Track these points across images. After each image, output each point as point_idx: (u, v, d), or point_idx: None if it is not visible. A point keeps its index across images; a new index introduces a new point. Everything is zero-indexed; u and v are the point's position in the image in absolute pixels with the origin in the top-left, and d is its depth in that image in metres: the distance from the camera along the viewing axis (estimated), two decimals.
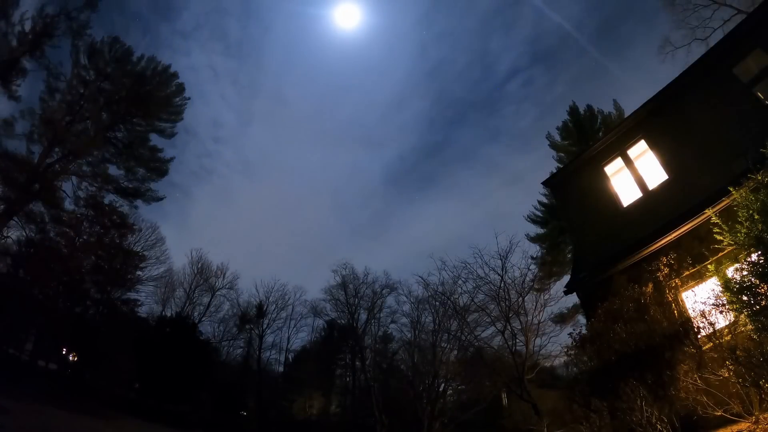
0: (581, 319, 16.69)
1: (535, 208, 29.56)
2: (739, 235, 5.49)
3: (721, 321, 5.89)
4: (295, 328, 35.63)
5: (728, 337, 5.75)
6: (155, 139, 27.73)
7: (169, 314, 28.59)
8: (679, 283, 7.50)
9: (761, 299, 5.14)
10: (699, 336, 6.11)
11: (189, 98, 28.37)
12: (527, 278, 19.31)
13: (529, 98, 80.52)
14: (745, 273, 5.36)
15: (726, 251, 6.08)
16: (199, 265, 32.51)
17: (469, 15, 75.12)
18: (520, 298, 18.55)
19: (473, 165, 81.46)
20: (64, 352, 24.93)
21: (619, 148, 10.10)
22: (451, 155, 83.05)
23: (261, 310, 33.94)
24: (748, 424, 5.44)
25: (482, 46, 79.36)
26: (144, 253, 27.32)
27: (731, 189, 5.75)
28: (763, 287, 5.13)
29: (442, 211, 75.50)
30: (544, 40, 76.31)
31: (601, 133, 25.58)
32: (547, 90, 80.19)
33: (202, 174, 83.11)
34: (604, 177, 10.38)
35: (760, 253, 5.21)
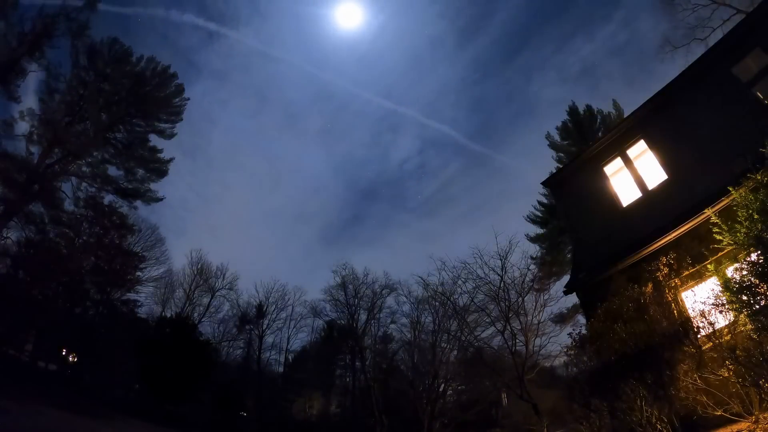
0: (581, 319, 16.66)
1: (534, 208, 29.56)
2: (738, 234, 5.48)
3: (721, 321, 5.87)
4: (294, 329, 35.61)
5: (728, 337, 5.74)
6: (155, 140, 27.85)
7: (168, 315, 28.43)
8: (679, 283, 7.49)
9: (761, 299, 5.14)
10: (699, 336, 6.09)
11: (188, 99, 28.47)
12: (527, 278, 19.25)
13: (426, 174, 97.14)
14: (744, 273, 5.35)
15: (725, 251, 6.07)
16: (199, 266, 32.47)
17: (360, 121, 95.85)
18: (520, 299, 18.50)
19: (390, 227, 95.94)
20: (64, 353, 24.92)
21: (618, 148, 10.10)
22: (369, 223, 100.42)
23: (261, 311, 33.93)
24: (748, 424, 5.44)
25: (375, 142, 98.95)
26: (143, 253, 27.41)
27: (731, 189, 5.73)
28: (762, 287, 5.12)
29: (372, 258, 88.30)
30: (428, 134, 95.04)
31: (600, 133, 25.59)
32: (442, 166, 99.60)
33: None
34: (604, 177, 10.38)
35: (759, 252, 5.20)
